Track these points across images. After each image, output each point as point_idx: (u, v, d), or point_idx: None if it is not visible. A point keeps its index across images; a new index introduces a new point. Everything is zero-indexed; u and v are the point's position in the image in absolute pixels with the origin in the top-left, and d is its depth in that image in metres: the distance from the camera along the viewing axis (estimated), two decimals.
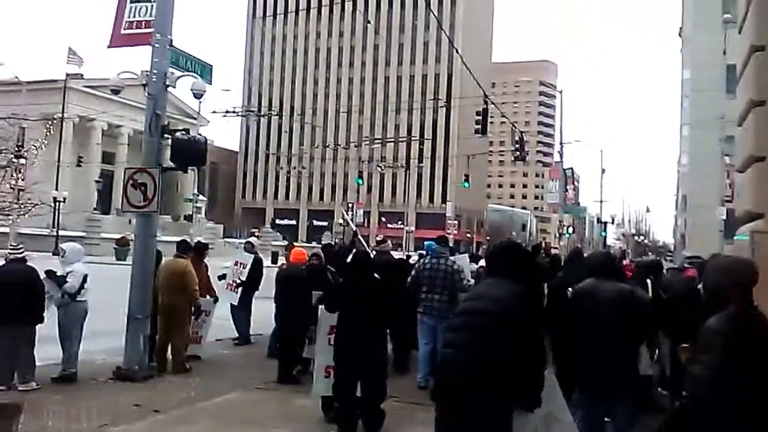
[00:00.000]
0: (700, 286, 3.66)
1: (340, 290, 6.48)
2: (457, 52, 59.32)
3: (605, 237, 60.13)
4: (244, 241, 15.73)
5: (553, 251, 18.43)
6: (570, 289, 6.08)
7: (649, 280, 6.42)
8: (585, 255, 9.91)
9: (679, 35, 59.72)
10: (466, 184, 47.64)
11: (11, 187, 24.07)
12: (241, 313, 10.91)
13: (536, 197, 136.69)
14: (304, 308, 8.09)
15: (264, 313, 10.27)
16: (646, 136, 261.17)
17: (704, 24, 40.83)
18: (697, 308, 3.69)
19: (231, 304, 10.84)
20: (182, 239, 10.01)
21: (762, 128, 4.91)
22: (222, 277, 10.87)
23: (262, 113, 78.37)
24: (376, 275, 6.47)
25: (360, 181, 55.94)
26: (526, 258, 4.17)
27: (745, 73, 5.46)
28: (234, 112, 45.26)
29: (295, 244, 24.09)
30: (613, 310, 5.09)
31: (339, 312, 6.26)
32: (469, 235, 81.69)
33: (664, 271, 8.96)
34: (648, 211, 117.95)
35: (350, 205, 59.93)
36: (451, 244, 33.63)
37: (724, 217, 27.16)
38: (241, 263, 10.99)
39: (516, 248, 4.15)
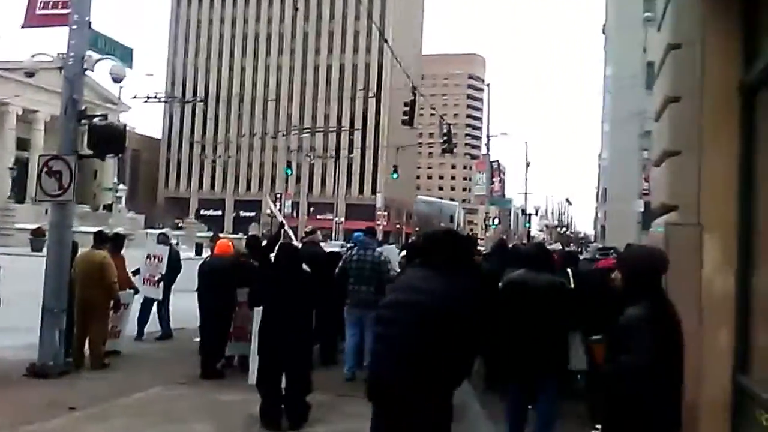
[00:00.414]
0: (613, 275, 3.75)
1: (265, 282, 6.34)
2: (386, 42, 59.32)
3: (529, 228, 61.80)
4: (175, 233, 15.28)
5: (479, 242, 18.76)
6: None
7: (569, 270, 6.60)
8: (509, 246, 10.15)
9: (603, 32, 61.73)
10: (395, 176, 47.93)
11: None
12: (161, 307, 10.64)
13: (464, 189, 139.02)
14: (228, 302, 7.94)
15: (185, 307, 10.06)
16: (570, 130, 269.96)
17: (626, 22, 42.26)
18: (609, 300, 3.81)
19: (145, 298, 10.52)
20: (99, 230, 9.62)
21: (677, 124, 5.08)
22: (136, 272, 10.47)
23: (186, 100, 76.25)
24: (304, 266, 6.38)
25: (289, 171, 55.39)
26: (467, 247, 3.87)
27: (662, 70, 5.64)
28: (156, 97, 43.85)
29: (221, 235, 23.63)
30: (545, 301, 5.25)
31: (264, 304, 6.16)
32: (398, 227, 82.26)
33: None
34: (569, 203, 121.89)
35: (278, 195, 59.34)
36: (380, 236, 33.63)
37: (642, 209, 28.37)
38: (155, 256, 10.61)
39: (456, 236, 3.78)
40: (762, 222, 4.43)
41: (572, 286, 6.07)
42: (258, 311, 6.41)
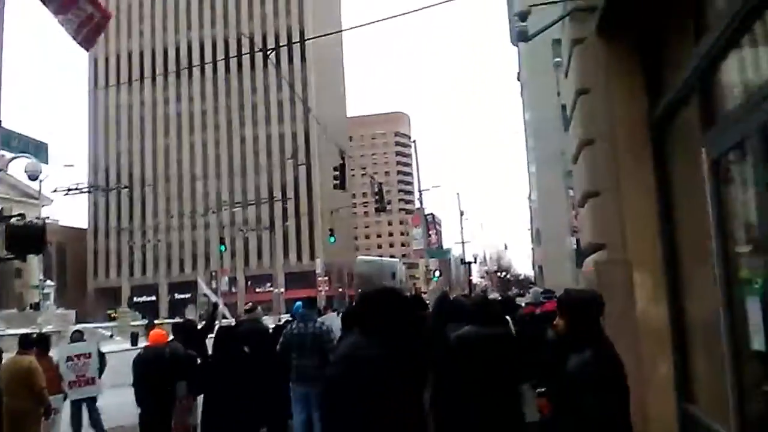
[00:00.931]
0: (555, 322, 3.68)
1: (204, 369, 6.09)
2: (309, 111, 60.20)
3: (471, 277, 62.40)
4: (108, 324, 14.68)
5: (423, 295, 18.66)
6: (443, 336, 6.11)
7: (508, 318, 6.54)
8: (451, 298, 10.09)
9: (518, 79, 64.37)
10: (332, 239, 47.80)
11: None
12: (91, 408, 10.09)
13: (403, 244, 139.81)
14: (167, 395, 7.56)
15: (120, 403, 9.57)
16: (500, 175, 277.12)
17: (538, 68, 44.14)
18: (547, 348, 3.75)
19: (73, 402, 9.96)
20: (23, 333, 9.10)
21: (593, 165, 5.24)
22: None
23: (110, 188, 74.42)
24: (243, 347, 6.17)
25: (223, 248, 54.35)
26: (405, 306, 3.38)
27: (574, 114, 5.84)
28: (77, 189, 42.57)
29: (156, 322, 22.70)
30: (497, 356, 5.03)
31: (205, 392, 5.89)
32: (341, 290, 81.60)
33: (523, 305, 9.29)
34: (506, 248, 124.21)
35: (213, 273, 58.05)
36: (323, 302, 33.15)
37: (574, 246, 29.01)
38: (78, 356, 10.07)
39: (391, 295, 3.37)
40: (685, 253, 4.56)
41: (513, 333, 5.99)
42: (200, 401, 6.13)
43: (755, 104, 3.12)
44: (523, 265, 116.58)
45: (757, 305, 3.14)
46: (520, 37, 6.33)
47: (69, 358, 9.95)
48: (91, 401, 10.10)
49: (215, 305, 8.81)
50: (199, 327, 9.42)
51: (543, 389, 4.07)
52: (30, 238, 8.18)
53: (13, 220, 8.30)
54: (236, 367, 5.83)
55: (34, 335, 9.59)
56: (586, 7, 5.15)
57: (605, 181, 5.05)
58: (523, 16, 5.96)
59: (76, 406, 10.04)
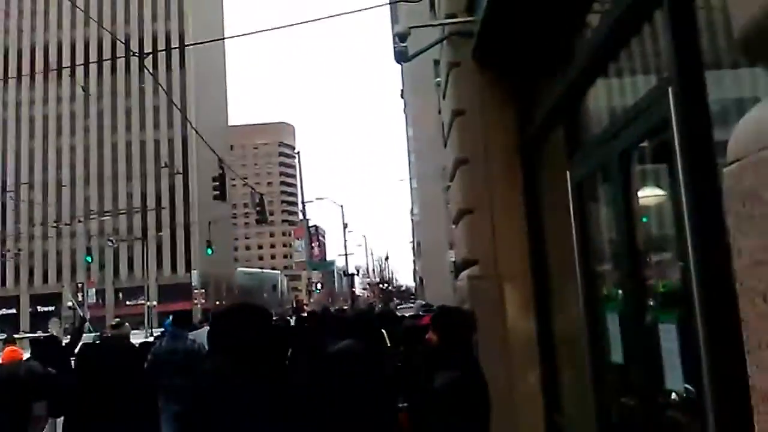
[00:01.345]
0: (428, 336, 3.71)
1: (68, 390, 5.66)
2: (186, 118, 58.21)
3: (353, 289, 62.69)
4: None
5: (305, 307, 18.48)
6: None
7: (383, 331, 6.56)
8: (331, 312, 10.05)
9: (401, 96, 65.69)
10: (210, 251, 46.45)
11: None
12: None
13: (285, 256, 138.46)
14: (23, 417, 6.99)
15: None
16: (383, 188, 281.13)
17: (420, 86, 45.30)
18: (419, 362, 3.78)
19: None
20: None
21: (468, 184, 5.41)
22: None
23: None
24: (108, 365, 5.78)
25: (89, 259, 51.33)
26: (264, 325, 3.19)
27: (451, 134, 6.01)
28: None
29: (16, 336, 20.96)
30: (372, 373, 5.04)
31: (67, 414, 5.49)
32: (219, 303, 79.26)
33: (404, 317, 9.38)
34: (387, 258, 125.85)
35: (80, 285, 54.70)
36: (199, 315, 32.02)
37: (453, 260, 29.91)
38: None
39: (247, 312, 3.19)
40: (553, 269, 4.79)
41: (389, 346, 6.02)
42: (59, 423, 5.70)
43: (615, 131, 3.33)
44: (405, 277, 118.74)
45: (616, 320, 3.34)
46: (401, 57, 6.47)
47: None
48: None
49: (83, 319, 8.27)
50: (64, 343, 8.80)
51: (405, 404, 4.09)
52: None
53: None
54: (101, 386, 5.47)
55: None
56: (462, 31, 5.32)
57: (478, 200, 5.23)
58: (403, 38, 6.05)
59: None
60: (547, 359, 4.80)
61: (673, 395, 2.74)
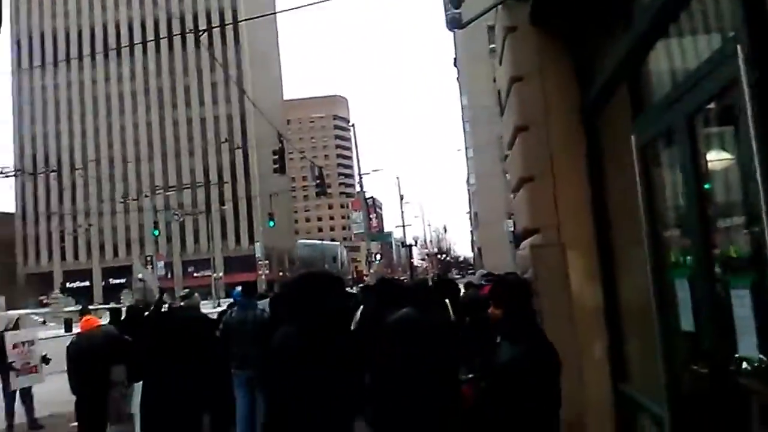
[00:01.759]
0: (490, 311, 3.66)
1: (146, 354, 5.90)
2: (243, 91, 59.04)
3: (412, 259, 62.95)
4: (40, 311, 14.36)
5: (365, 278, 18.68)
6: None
7: (447, 301, 6.57)
8: (391, 280, 10.10)
9: (455, 65, 64.83)
10: (272, 223, 47.30)
11: None
12: (24, 395, 9.88)
13: (344, 228, 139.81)
14: (102, 382, 7.37)
15: (56, 390, 9.35)
16: (440, 158, 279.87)
17: (474, 54, 44.63)
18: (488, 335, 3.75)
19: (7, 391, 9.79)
20: None
21: (528, 151, 5.34)
22: (10, 366, 9.70)
23: (38, 171, 71.56)
24: (182, 333, 6.01)
25: (156, 233, 53.01)
26: (331, 292, 3.21)
27: (508, 101, 5.92)
28: (2, 173, 40.80)
29: (91, 307, 22.03)
30: (435, 342, 4.90)
31: (145, 378, 5.73)
32: (282, 274, 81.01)
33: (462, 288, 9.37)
34: (446, 230, 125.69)
35: (149, 258, 56.70)
36: (263, 286, 32.79)
37: (511, 229, 29.65)
38: (26, 342, 10.06)
39: (314, 279, 3.24)
40: (618, 236, 4.71)
41: (452, 317, 6.03)
42: (138, 387, 5.97)
43: (681, 93, 3.23)
44: (463, 248, 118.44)
45: (685, 286, 3.28)
46: (454, 24, 6.33)
47: (15, 345, 9.77)
48: (27, 389, 9.90)
49: (162, 291, 8.64)
50: (146, 313, 9.23)
51: (470, 376, 4.06)
52: None
53: None
54: (176, 353, 5.70)
55: None
56: None
57: (539, 167, 5.16)
58: (457, 3, 5.94)
59: (10, 395, 9.80)
60: (613, 328, 4.75)
61: (746, 363, 2.69)
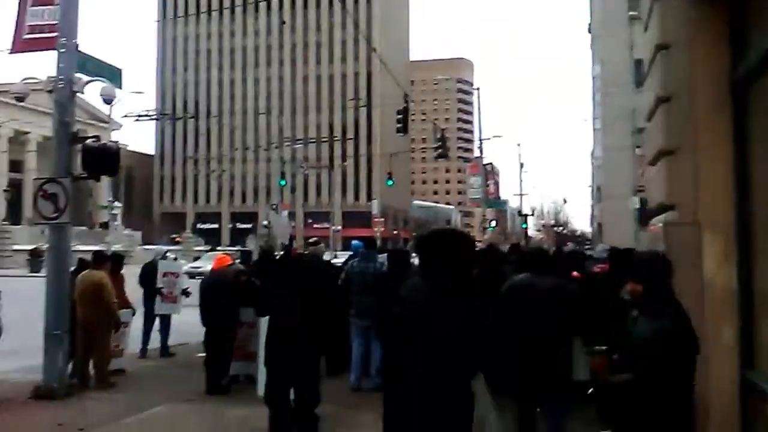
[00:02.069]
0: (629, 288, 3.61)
1: (273, 295, 6.30)
2: (374, 51, 59.43)
3: (526, 229, 61.85)
4: (164, 248, 15.65)
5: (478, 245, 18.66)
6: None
7: (575, 273, 6.52)
8: (517, 246, 10.11)
9: (589, 32, 61.95)
10: (390, 182, 47.97)
11: None
12: (163, 323, 10.82)
13: (459, 192, 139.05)
14: (231, 318, 7.94)
15: (186, 321, 10.17)
16: (563, 128, 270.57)
17: (611, 21, 42.46)
18: (619, 308, 3.71)
19: (148, 316, 10.77)
20: (97, 250, 9.70)
21: (670, 123, 5.12)
22: (159, 291, 10.69)
23: (177, 116, 76.23)
24: (310, 278, 6.35)
25: (283, 183, 55.38)
26: (462, 249, 3.22)
27: (651, 70, 5.68)
28: (147, 115, 43.85)
29: (219, 248, 23.51)
30: (550, 306, 5.04)
31: (271, 316, 6.12)
32: (395, 233, 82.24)
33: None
34: (565, 202, 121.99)
35: (274, 206, 59.21)
36: (378, 243, 33.59)
37: (638, 206, 28.39)
38: (173, 273, 11.07)
39: (448, 236, 3.29)
40: (759, 218, 4.46)
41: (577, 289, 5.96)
42: (264, 325, 6.37)
43: None
44: (580, 222, 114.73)
45: None
46: None
47: (164, 274, 10.76)
48: (166, 317, 10.80)
49: (292, 237, 9.14)
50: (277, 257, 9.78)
51: (603, 348, 4.01)
52: (105, 159, 8.48)
53: (88, 141, 8.61)
54: (300, 297, 6.03)
55: (109, 252, 10.17)
56: None
57: (681, 140, 4.94)
58: None
59: (150, 321, 10.72)
60: (745, 313, 4.54)
61: None
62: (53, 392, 7.65)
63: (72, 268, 8.69)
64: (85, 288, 8.28)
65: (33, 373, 8.18)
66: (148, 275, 10.86)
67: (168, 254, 12.01)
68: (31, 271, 30.17)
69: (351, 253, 9.91)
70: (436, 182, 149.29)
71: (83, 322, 8.22)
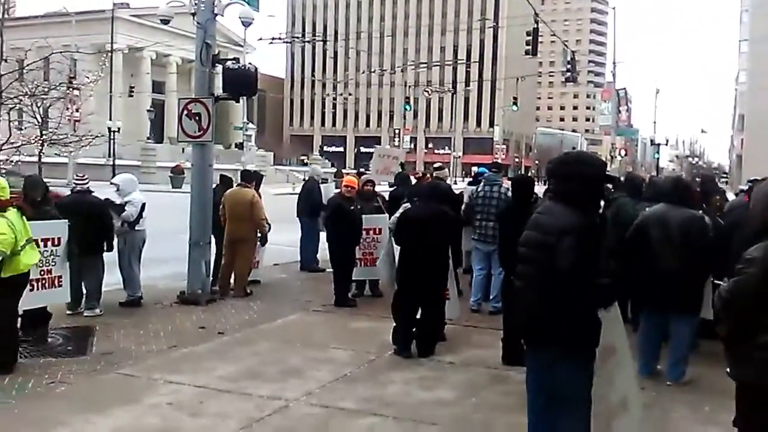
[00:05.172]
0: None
1: (406, 217, 6.51)
2: None
3: (658, 159, 58.59)
4: (301, 169, 15.97)
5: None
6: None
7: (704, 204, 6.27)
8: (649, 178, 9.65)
9: None
10: (515, 107, 46.77)
11: (68, 119, 24.55)
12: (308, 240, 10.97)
13: (587, 119, 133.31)
14: (353, 234, 8.28)
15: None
16: (703, 53, 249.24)
17: None
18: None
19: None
20: (245, 169, 10.29)
21: None
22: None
23: (307, 39, 77.36)
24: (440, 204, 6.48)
25: (407, 107, 55.39)
26: (596, 175, 3.30)
27: None
28: (279, 38, 44.90)
29: (344, 171, 24.00)
30: (683, 237, 5.11)
31: (405, 239, 6.34)
32: (517, 160, 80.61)
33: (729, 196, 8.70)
34: (703, 132, 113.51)
35: (396, 131, 59.62)
36: None
37: None
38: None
39: (584, 160, 3.39)
40: None
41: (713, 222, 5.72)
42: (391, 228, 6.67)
43: None
44: (717, 154, 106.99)
45: None
46: None
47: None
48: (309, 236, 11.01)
49: (402, 165, 9.31)
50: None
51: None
52: (244, 81, 8.83)
53: (228, 63, 9.00)
54: (432, 219, 6.19)
55: (252, 172, 10.72)
56: None
57: None
58: None
59: (308, 237, 11.01)
60: None
61: None
62: (197, 298, 8.31)
63: (213, 185, 9.25)
64: (235, 204, 8.80)
65: (178, 280, 8.95)
66: (307, 192, 11.02)
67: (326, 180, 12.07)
68: (173, 187, 32.12)
69: (470, 179, 9.85)
70: (562, 108, 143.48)
71: (231, 236, 8.77)
